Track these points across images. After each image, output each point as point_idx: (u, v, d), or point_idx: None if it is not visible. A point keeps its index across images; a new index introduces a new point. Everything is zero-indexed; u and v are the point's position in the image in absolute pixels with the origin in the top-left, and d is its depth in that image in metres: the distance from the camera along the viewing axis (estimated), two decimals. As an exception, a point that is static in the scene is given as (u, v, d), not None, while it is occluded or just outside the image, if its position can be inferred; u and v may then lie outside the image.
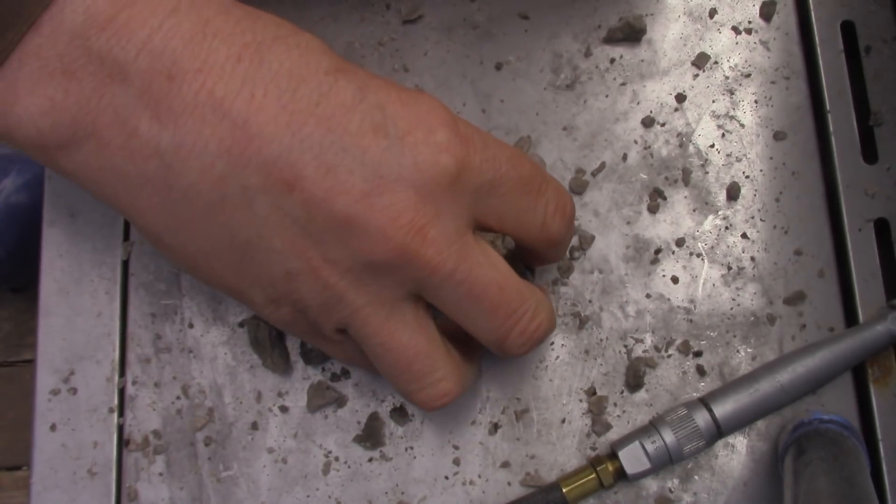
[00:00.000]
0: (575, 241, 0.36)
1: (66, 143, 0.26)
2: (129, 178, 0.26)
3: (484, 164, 0.27)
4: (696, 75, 0.38)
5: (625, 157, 0.37)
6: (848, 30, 0.38)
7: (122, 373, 0.36)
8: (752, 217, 0.37)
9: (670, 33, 0.38)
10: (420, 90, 0.27)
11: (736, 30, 0.38)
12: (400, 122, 0.26)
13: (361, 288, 0.27)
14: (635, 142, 0.37)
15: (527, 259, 0.33)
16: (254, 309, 0.29)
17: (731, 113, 0.37)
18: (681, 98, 0.37)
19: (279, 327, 0.31)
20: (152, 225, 0.28)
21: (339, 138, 0.25)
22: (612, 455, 0.34)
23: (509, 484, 0.35)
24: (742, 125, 0.37)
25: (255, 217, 0.26)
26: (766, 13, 0.38)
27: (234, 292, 0.29)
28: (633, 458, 0.33)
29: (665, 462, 0.33)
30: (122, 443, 0.36)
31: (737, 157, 0.37)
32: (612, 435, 0.35)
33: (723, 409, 0.33)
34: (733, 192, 0.37)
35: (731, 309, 0.36)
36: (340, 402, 0.35)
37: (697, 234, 0.36)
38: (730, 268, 0.36)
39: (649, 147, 0.37)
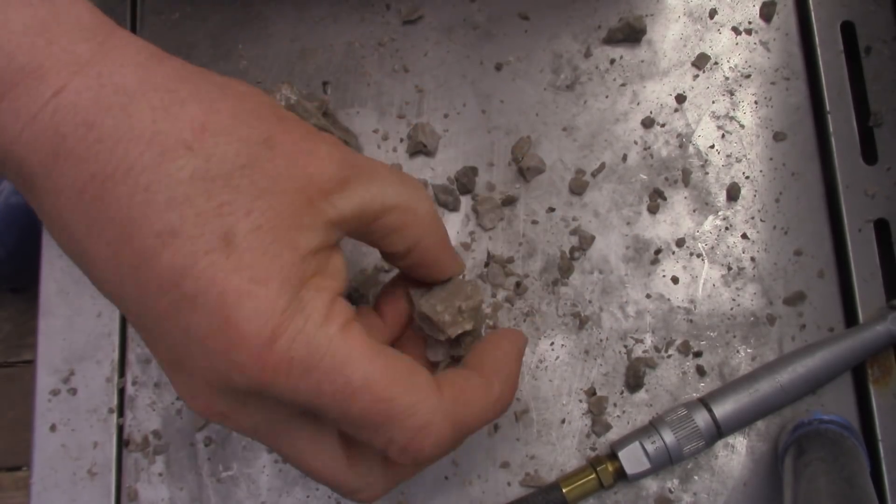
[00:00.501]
0: (575, 241, 0.36)
1: None
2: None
3: (295, 393, 0.23)
4: (696, 76, 0.38)
5: (625, 158, 0.37)
6: (848, 30, 0.38)
7: (122, 373, 0.36)
8: (752, 217, 0.37)
9: (670, 34, 0.38)
10: (276, 274, 0.22)
11: (736, 30, 0.38)
12: (203, 324, 0.22)
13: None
14: (635, 142, 0.37)
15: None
16: None
17: (731, 114, 0.37)
18: (681, 99, 0.37)
19: None
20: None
21: (147, 312, 0.23)
22: (612, 455, 0.34)
23: (509, 484, 0.35)
24: (742, 126, 0.37)
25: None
26: (767, 14, 0.38)
27: None
28: (633, 459, 0.33)
29: (665, 462, 0.33)
30: (122, 443, 0.36)
31: (737, 158, 0.37)
32: (612, 435, 0.35)
33: (723, 409, 0.33)
34: (733, 193, 0.37)
35: (731, 309, 0.36)
36: (340, 402, 0.35)
37: (697, 234, 0.36)
38: (730, 268, 0.36)
39: (649, 148, 0.37)
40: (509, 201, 0.37)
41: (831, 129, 0.37)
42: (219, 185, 0.22)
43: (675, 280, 0.36)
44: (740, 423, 0.34)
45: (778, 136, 0.37)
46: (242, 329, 0.22)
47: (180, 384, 0.23)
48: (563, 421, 0.35)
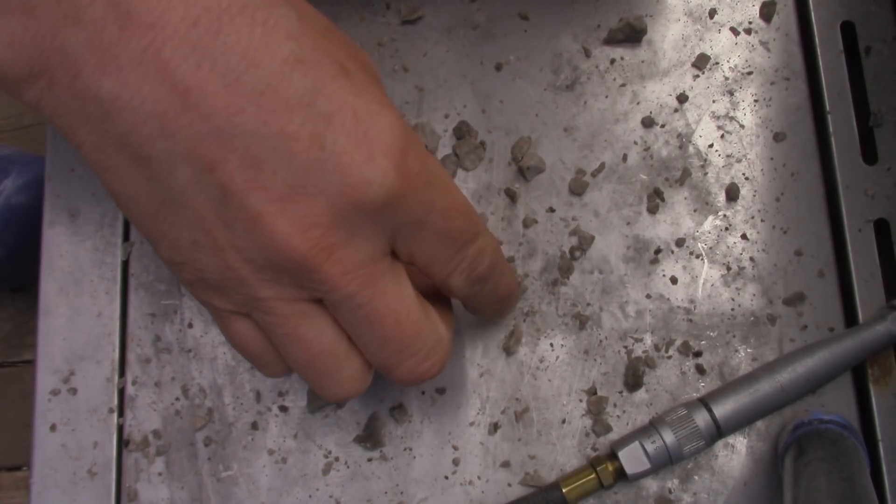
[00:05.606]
0: (575, 241, 0.36)
1: (25, 77, 0.26)
2: (72, 115, 0.27)
3: (415, 205, 0.26)
4: (696, 76, 0.38)
5: (625, 158, 0.37)
6: (848, 30, 0.38)
7: (122, 373, 0.36)
8: (752, 217, 0.37)
9: (670, 34, 0.38)
10: (389, 106, 0.27)
11: (736, 30, 0.38)
12: (341, 139, 0.25)
13: (264, 280, 0.27)
14: (635, 142, 0.37)
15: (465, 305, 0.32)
16: (162, 261, 0.30)
17: (731, 114, 0.37)
18: (681, 99, 0.38)
19: (184, 287, 0.31)
20: (88, 158, 0.28)
21: (273, 136, 0.25)
22: (612, 455, 0.34)
23: (509, 484, 0.35)
24: (742, 126, 0.37)
25: (175, 182, 0.26)
26: (766, 13, 0.38)
27: (147, 239, 0.29)
28: (632, 458, 0.33)
29: (665, 462, 0.33)
30: (122, 443, 0.36)
31: (737, 158, 0.37)
32: (612, 435, 0.35)
33: (723, 409, 0.33)
34: (733, 193, 0.37)
35: (731, 309, 0.36)
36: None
37: (697, 234, 0.36)
38: (730, 268, 0.36)
39: (649, 148, 0.37)
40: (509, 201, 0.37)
41: (831, 129, 0.37)
42: (321, 33, 0.26)
43: (674, 280, 0.36)
44: (740, 423, 0.34)
45: (778, 136, 0.37)
46: (383, 141, 0.25)
47: (292, 219, 0.25)
48: (563, 421, 0.35)
